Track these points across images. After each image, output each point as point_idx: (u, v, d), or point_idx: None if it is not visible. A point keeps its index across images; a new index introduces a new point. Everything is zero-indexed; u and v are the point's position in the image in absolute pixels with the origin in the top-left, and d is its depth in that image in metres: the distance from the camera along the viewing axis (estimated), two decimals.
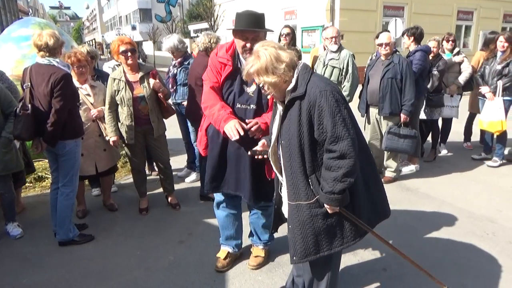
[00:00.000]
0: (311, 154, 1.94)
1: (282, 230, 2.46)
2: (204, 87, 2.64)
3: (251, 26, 2.38)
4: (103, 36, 56.31)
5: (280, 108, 2.08)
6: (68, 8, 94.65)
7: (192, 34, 27.30)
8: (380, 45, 4.44)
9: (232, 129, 2.32)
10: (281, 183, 2.21)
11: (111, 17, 54.02)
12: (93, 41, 42.74)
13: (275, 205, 2.35)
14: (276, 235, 3.04)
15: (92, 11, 69.05)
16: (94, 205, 4.14)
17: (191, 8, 35.09)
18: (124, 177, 5.04)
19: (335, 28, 4.84)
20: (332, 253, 2.05)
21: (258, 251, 3.00)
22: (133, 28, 39.56)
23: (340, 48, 4.70)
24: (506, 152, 5.43)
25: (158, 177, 4.25)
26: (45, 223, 3.63)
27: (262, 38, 2.46)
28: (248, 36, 2.40)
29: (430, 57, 4.95)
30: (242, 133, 2.31)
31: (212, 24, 17.72)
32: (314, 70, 4.62)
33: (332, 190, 1.86)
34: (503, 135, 5.17)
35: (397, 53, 4.53)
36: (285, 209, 2.23)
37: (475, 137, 6.26)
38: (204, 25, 22.53)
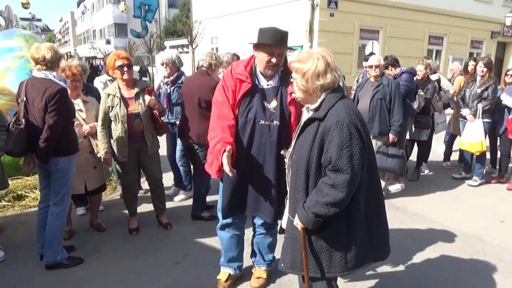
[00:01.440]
0: (316, 176, 1.95)
1: None
2: (212, 112, 2.55)
3: (278, 42, 2.37)
4: (75, 50, 55.11)
5: (303, 119, 2.07)
6: (40, 20, 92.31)
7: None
8: (370, 67, 4.56)
9: (226, 169, 2.26)
10: (287, 195, 2.21)
11: (84, 31, 53.06)
12: (69, 54, 41.64)
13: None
14: (277, 256, 2.99)
15: (65, 24, 67.62)
16: (80, 225, 3.94)
17: (167, 24, 35.06)
18: (109, 195, 4.85)
19: (326, 49, 4.93)
20: (318, 278, 2.03)
21: (260, 272, 2.93)
22: (108, 42, 38.97)
23: None
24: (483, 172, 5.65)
25: (146, 195, 4.11)
26: (27, 245, 3.42)
27: (285, 54, 2.48)
28: (274, 51, 2.39)
29: (420, 80, 5.14)
30: (231, 172, 2.26)
31: (191, 41, 17.67)
32: None
33: (309, 208, 1.89)
34: (482, 155, 5.38)
35: (385, 75, 4.68)
36: (284, 220, 2.24)
37: (454, 156, 6.51)
38: (183, 41, 22.42)
